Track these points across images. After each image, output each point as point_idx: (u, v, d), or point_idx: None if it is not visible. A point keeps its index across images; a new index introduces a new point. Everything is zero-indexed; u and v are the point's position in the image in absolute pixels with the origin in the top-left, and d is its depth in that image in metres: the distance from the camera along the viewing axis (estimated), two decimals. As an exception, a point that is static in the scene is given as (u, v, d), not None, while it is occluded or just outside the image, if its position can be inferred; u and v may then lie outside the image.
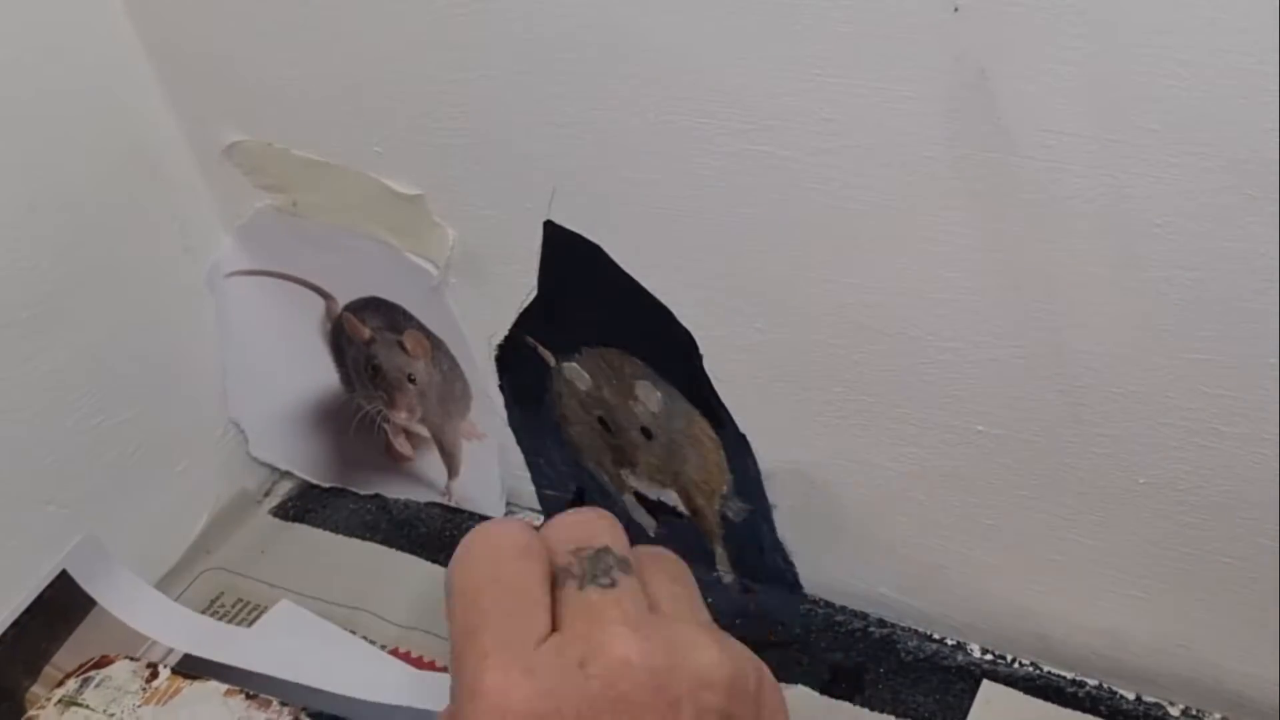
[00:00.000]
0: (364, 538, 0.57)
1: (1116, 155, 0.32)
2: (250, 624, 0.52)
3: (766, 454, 0.46)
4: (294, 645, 0.49)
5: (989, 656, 0.47)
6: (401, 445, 0.57)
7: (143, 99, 0.50)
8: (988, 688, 0.46)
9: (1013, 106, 0.33)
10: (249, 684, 0.47)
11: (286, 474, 0.60)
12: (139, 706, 0.46)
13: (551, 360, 0.49)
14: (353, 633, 0.51)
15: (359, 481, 0.59)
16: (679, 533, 0.51)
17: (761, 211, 0.39)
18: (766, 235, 0.40)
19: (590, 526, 0.34)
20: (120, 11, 0.48)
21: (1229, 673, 0.43)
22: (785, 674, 0.47)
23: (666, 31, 0.37)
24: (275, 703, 0.46)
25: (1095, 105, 0.32)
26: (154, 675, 0.47)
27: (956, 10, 0.32)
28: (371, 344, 0.54)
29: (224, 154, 0.50)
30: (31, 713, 0.46)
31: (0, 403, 0.47)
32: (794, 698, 0.44)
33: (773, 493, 0.47)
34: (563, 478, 0.54)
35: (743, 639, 0.32)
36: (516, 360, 0.50)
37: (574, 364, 0.49)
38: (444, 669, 0.49)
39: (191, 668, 0.48)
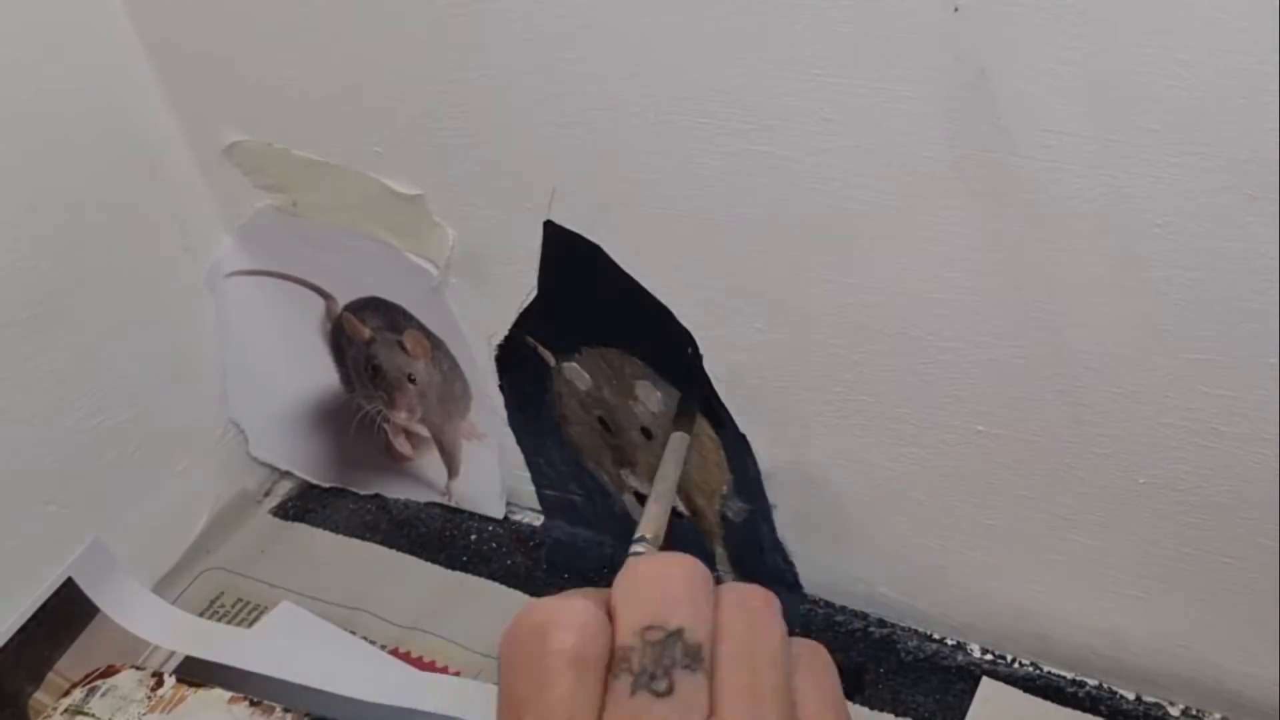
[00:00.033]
0: (364, 538, 0.57)
1: (1116, 155, 0.32)
2: (250, 624, 0.52)
3: (766, 454, 0.46)
4: (294, 646, 0.49)
5: (989, 656, 0.47)
6: (401, 445, 0.57)
7: (143, 99, 0.50)
8: (987, 685, 0.46)
9: (1013, 106, 0.33)
10: (250, 685, 0.47)
11: (286, 474, 0.60)
12: (144, 715, 0.46)
13: (551, 360, 0.49)
14: (353, 633, 0.51)
15: (359, 481, 0.59)
16: (679, 533, 0.51)
17: (761, 211, 0.39)
18: (766, 235, 0.40)
19: (670, 591, 0.28)
20: (120, 11, 0.48)
21: (1229, 673, 0.43)
22: (785, 674, 0.47)
23: (666, 31, 0.37)
24: (278, 710, 0.46)
25: (1095, 105, 0.32)
26: (159, 684, 0.47)
27: (956, 10, 0.32)
28: (371, 344, 0.54)
29: (224, 154, 0.50)
30: (37, 722, 0.47)
31: (0, 403, 0.47)
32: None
33: (773, 493, 0.47)
34: (563, 478, 0.54)
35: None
36: (516, 360, 0.50)
37: (574, 364, 0.49)
38: (444, 669, 0.49)
39: (193, 670, 0.48)
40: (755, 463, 0.47)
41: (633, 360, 0.47)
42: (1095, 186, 0.33)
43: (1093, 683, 0.46)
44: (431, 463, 0.57)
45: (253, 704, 0.46)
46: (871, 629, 0.49)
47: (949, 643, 0.48)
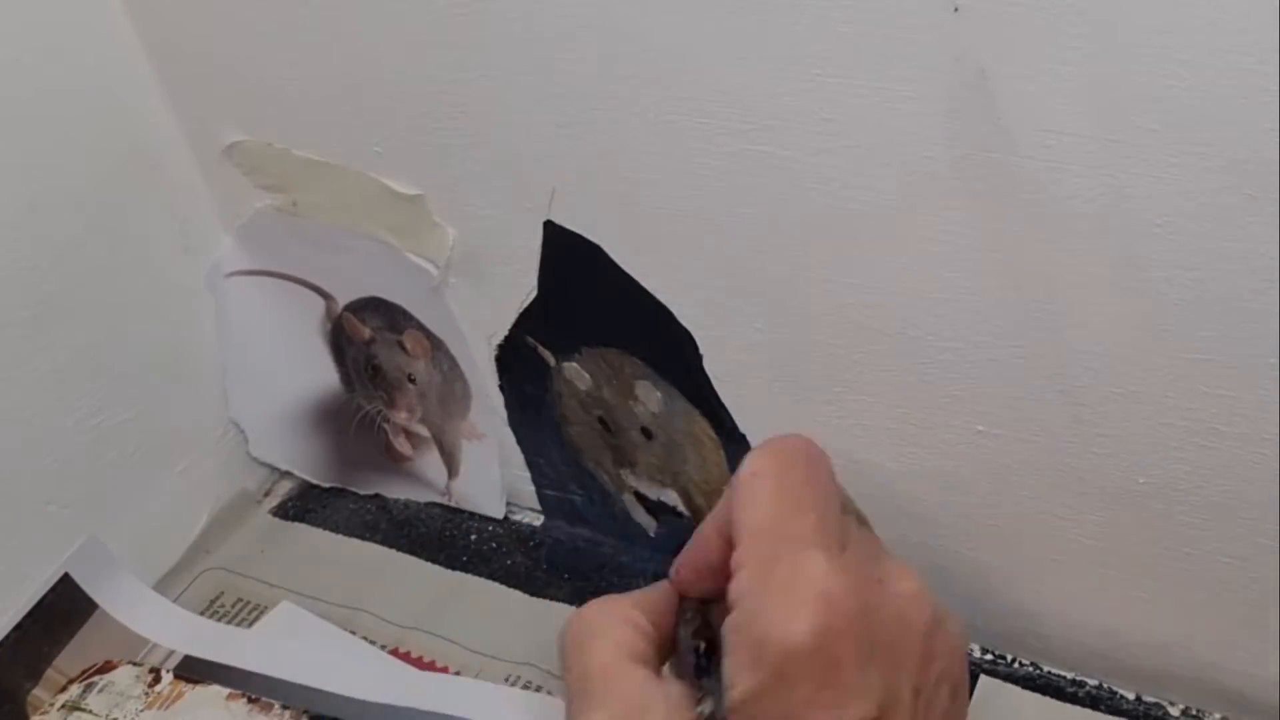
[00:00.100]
0: (364, 538, 0.57)
1: (1116, 155, 0.32)
2: (250, 624, 0.52)
3: (766, 454, 0.46)
4: (294, 646, 0.49)
5: (989, 656, 0.47)
6: (401, 445, 0.57)
7: (143, 99, 0.50)
8: (985, 683, 0.46)
9: (1013, 106, 0.33)
10: (250, 685, 0.47)
11: (286, 474, 0.60)
12: (141, 711, 0.46)
13: (551, 360, 0.49)
14: (353, 633, 0.51)
15: (359, 481, 0.59)
16: (679, 533, 0.51)
17: (761, 211, 0.39)
18: (766, 235, 0.40)
19: (841, 493, 0.36)
20: (120, 11, 0.48)
21: (1229, 673, 0.43)
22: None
23: (666, 31, 0.37)
24: (277, 706, 0.46)
25: (1095, 105, 0.32)
26: (156, 680, 0.47)
27: (956, 10, 0.32)
28: (371, 344, 0.54)
29: (224, 154, 0.50)
30: (35, 718, 0.46)
31: (0, 403, 0.47)
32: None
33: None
34: (563, 478, 0.54)
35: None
36: (516, 360, 0.50)
37: (574, 364, 0.49)
38: (444, 669, 0.49)
39: (193, 670, 0.48)
40: (755, 463, 0.47)
41: (633, 360, 0.47)
42: (1095, 186, 0.33)
43: (1093, 683, 0.46)
44: (431, 463, 0.57)
45: (250, 701, 0.46)
46: (871, 629, 0.49)
47: (949, 643, 0.48)
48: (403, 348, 0.53)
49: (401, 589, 0.53)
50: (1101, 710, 0.45)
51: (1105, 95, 0.32)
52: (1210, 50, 0.30)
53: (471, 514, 0.57)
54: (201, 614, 0.52)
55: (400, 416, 0.55)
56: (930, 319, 0.39)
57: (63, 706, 0.47)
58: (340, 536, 0.57)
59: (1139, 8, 0.30)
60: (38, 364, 0.48)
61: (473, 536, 0.56)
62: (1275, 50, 0.29)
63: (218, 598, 0.54)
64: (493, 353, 0.51)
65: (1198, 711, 0.44)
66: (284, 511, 0.59)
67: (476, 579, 0.54)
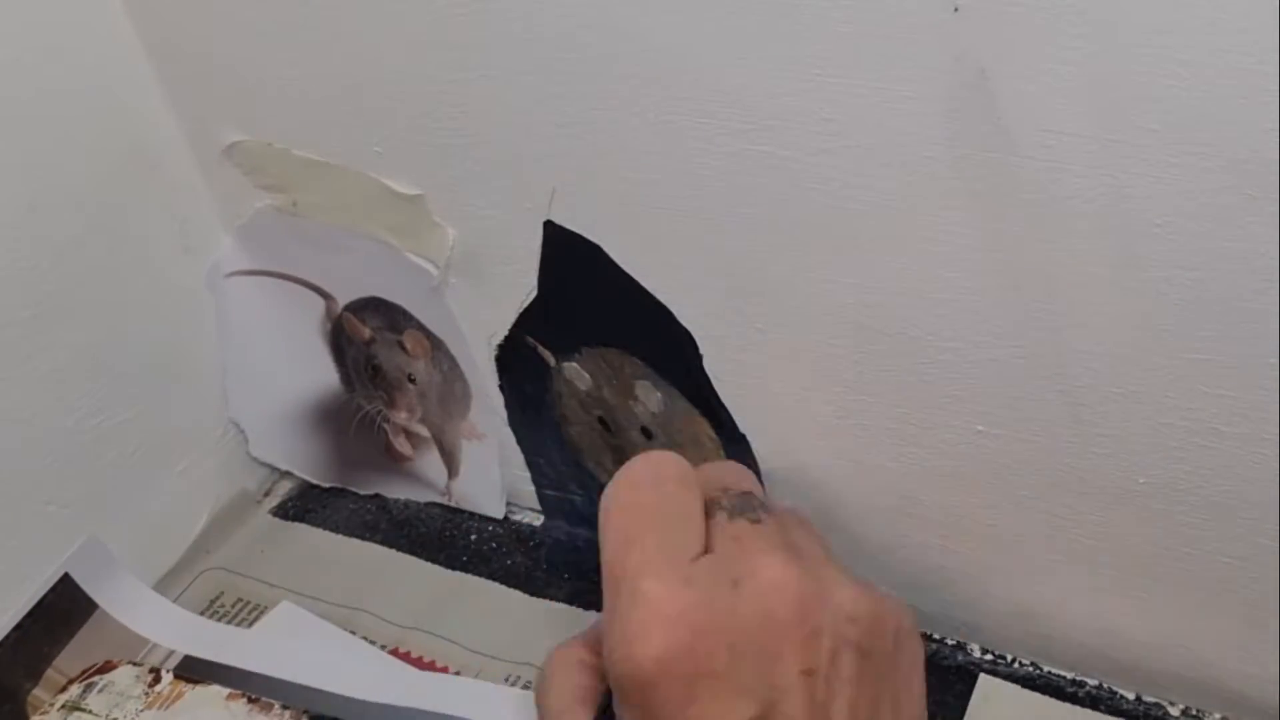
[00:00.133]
0: (364, 538, 0.57)
1: (1116, 155, 0.32)
2: (250, 624, 0.52)
3: (766, 454, 0.46)
4: (294, 646, 0.49)
5: (989, 656, 0.47)
6: (401, 445, 0.57)
7: (143, 99, 0.50)
8: (985, 683, 0.46)
9: (1013, 106, 0.33)
10: (250, 685, 0.47)
11: (286, 474, 0.60)
12: (141, 711, 0.46)
13: (551, 360, 0.49)
14: (353, 633, 0.51)
15: (359, 481, 0.59)
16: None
17: (761, 211, 0.39)
18: (766, 235, 0.40)
19: (736, 474, 0.37)
20: (120, 11, 0.48)
21: (1229, 673, 0.43)
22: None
23: (666, 31, 0.37)
24: (277, 706, 0.46)
25: (1095, 105, 0.32)
26: (156, 680, 0.47)
27: (956, 10, 0.32)
28: (371, 344, 0.54)
29: (224, 154, 0.50)
30: (35, 718, 0.46)
31: (0, 403, 0.47)
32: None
33: (772, 493, 0.47)
34: (563, 478, 0.54)
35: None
36: (516, 360, 0.50)
37: (574, 364, 0.49)
38: (444, 669, 0.49)
39: (193, 670, 0.48)
40: (755, 463, 0.47)
41: (633, 360, 0.47)
42: (1095, 186, 0.33)
43: (1093, 683, 0.46)
44: (431, 463, 0.57)
45: (251, 701, 0.46)
46: (871, 629, 0.49)
47: (949, 643, 0.48)
48: (403, 348, 0.53)
49: (401, 589, 0.53)
50: (1101, 710, 0.45)
51: (1105, 95, 0.32)
52: (1210, 50, 0.30)
53: (471, 514, 0.57)
54: (201, 614, 0.52)
55: (400, 416, 0.55)
56: (930, 319, 0.39)
57: (63, 706, 0.47)
58: (340, 536, 0.57)
59: (1139, 8, 0.30)
60: (38, 364, 0.48)
61: (473, 536, 0.56)
62: (1275, 50, 0.29)
63: (218, 598, 0.54)
64: (493, 353, 0.51)
65: (1198, 711, 0.44)
66: (284, 511, 0.59)
67: (476, 579, 0.54)
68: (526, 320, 0.48)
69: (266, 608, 0.52)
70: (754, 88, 0.36)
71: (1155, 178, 0.32)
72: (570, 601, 0.52)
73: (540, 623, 0.51)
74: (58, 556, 0.49)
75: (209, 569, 0.56)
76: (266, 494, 0.60)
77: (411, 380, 0.54)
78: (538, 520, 0.56)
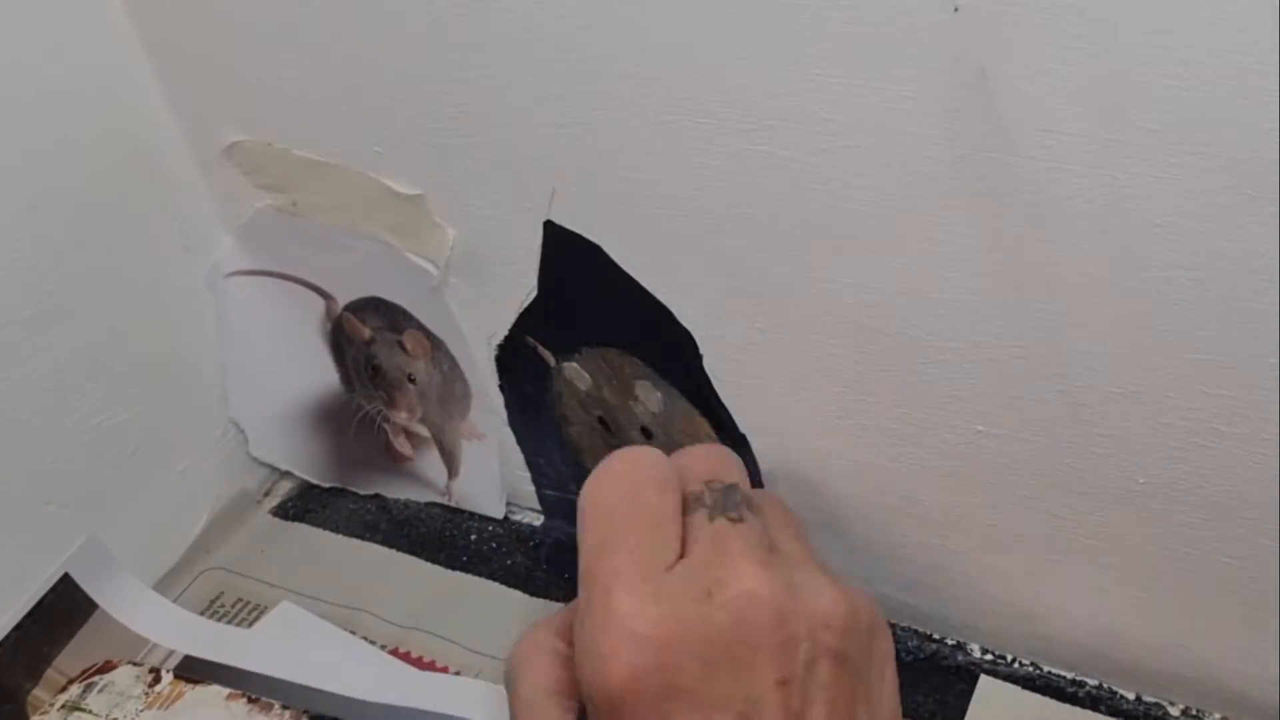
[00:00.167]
0: (364, 538, 0.57)
1: (1116, 155, 0.32)
2: (250, 624, 0.52)
3: (767, 454, 0.46)
4: (294, 646, 0.49)
5: (989, 656, 0.47)
6: (401, 445, 0.57)
7: (143, 99, 0.50)
8: (985, 683, 0.46)
9: (1013, 106, 0.33)
10: (250, 685, 0.47)
11: (286, 474, 0.60)
12: (141, 711, 0.46)
13: (551, 360, 0.49)
14: (353, 633, 0.51)
15: (359, 481, 0.59)
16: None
17: (761, 211, 0.39)
18: (766, 235, 0.40)
19: (721, 462, 0.36)
20: (120, 11, 0.48)
21: (1229, 673, 0.43)
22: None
23: (666, 31, 0.37)
24: (277, 706, 0.46)
25: (1095, 105, 0.32)
26: (156, 680, 0.47)
27: (956, 10, 0.32)
28: (371, 344, 0.54)
29: (224, 154, 0.50)
30: (35, 718, 0.46)
31: (0, 403, 0.47)
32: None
33: (772, 493, 0.47)
34: (563, 478, 0.54)
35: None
36: (516, 360, 0.50)
37: (574, 364, 0.49)
38: (444, 669, 0.49)
39: (193, 670, 0.48)
40: (755, 463, 0.47)
41: (633, 360, 0.47)
42: (1095, 186, 0.33)
43: (1093, 683, 0.46)
44: (431, 463, 0.57)
45: (251, 701, 0.46)
46: (871, 629, 0.49)
47: (949, 643, 0.48)
48: (403, 348, 0.53)
49: (401, 589, 0.53)
50: (1101, 710, 0.45)
51: (1105, 95, 0.32)
52: (1210, 50, 0.30)
53: (471, 514, 0.57)
54: (201, 614, 0.52)
55: (400, 416, 0.55)
56: (930, 319, 0.39)
57: (63, 706, 0.47)
58: (340, 536, 0.57)
59: (1139, 8, 0.30)
60: (38, 364, 0.48)
61: (473, 536, 0.56)
62: (1275, 50, 0.29)
63: (218, 598, 0.54)
64: (493, 353, 0.51)
65: (1198, 711, 0.44)
66: (284, 511, 0.59)
67: (476, 579, 0.54)
68: (526, 320, 0.48)
69: (266, 608, 0.52)
70: (754, 88, 0.36)
71: (1155, 178, 0.32)
72: (570, 601, 0.52)
73: (540, 623, 0.51)
74: (58, 556, 0.49)
75: (209, 569, 0.56)
76: (266, 494, 0.60)
77: (411, 380, 0.54)
78: (538, 520, 0.56)
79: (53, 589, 0.48)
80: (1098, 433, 0.39)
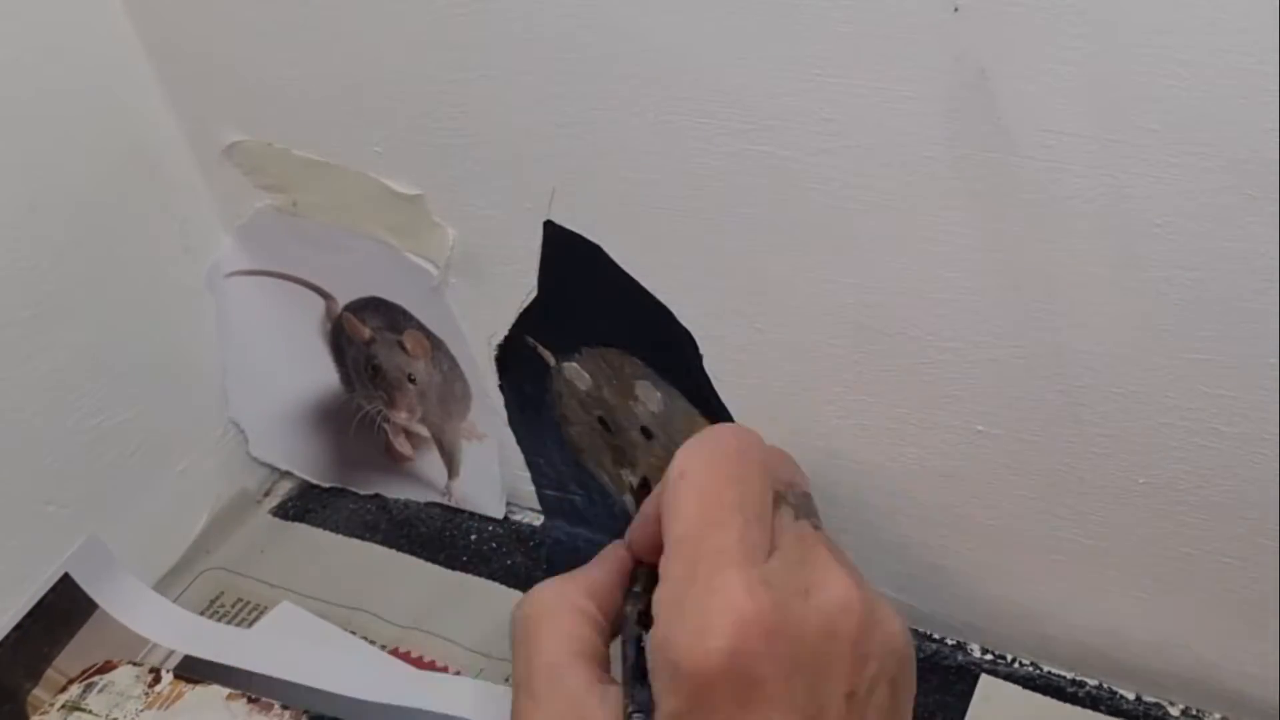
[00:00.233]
0: (364, 538, 0.57)
1: (1116, 155, 0.32)
2: (250, 624, 0.52)
3: (766, 454, 0.46)
4: (294, 646, 0.49)
5: (989, 656, 0.47)
6: (401, 445, 0.57)
7: (143, 99, 0.50)
8: (986, 683, 0.46)
9: (1013, 106, 0.33)
10: (250, 685, 0.47)
11: (286, 474, 0.60)
12: (141, 711, 0.46)
13: (551, 360, 0.49)
14: (352, 633, 0.51)
15: (359, 481, 0.59)
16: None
17: (761, 211, 0.39)
18: (766, 235, 0.40)
19: (796, 469, 0.37)
20: (120, 11, 0.48)
21: (1229, 673, 0.43)
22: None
23: (666, 31, 0.37)
24: (277, 706, 0.46)
25: (1095, 105, 0.32)
26: (156, 680, 0.47)
27: (956, 10, 0.32)
28: (371, 344, 0.54)
29: (224, 154, 0.50)
30: (35, 718, 0.46)
31: (0, 403, 0.47)
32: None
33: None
34: (563, 478, 0.54)
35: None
36: (516, 360, 0.50)
37: (574, 364, 0.49)
38: (444, 669, 0.49)
39: (193, 670, 0.48)
40: (755, 463, 0.47)
41: (633, 360, 0.47)
42: (1095, 186, 0.33)
43: (1093, 683, 0.46)
44: (431, 463, 0.57)
45: (250, 701, 0.46)
46: (871, 629, 0.49)
47: (949, 643, 0.48)
48: (403, 348, 0.53)
49: (401, 589, 0.53)
50: (1101, 710, 0.45)
51: (1105, 95, 0.32)
52: (1210, 50, 0.30)
53: (471, 514, 0.57)
54: (201, 614, 0.52)
55: (400, 416, 0.55)
56: (930, 319, 0.39)
57: (63, 706, 0.47)
58: (340, 536, 0.57)
59: (1139, 8, 0.30)
60: (38, 364, 0.48)
61: (473, 536, 0.56)
62: (1275, 50, 0.29)
63: (218, 598, 0.54)
64: (493, 353, 0.51)
65: (1198, 711, 0.44)
66: (284, 511, 0.59)
67: (476, 579, 0.54)
68: (526, 320, 0.48)
69: (266, 608, 0.52)
70: (754, 88, 0.36)
71: (1155, 178, 0.32)
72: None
73: (540, 623, 0.51)
74: (58, 556, 0.49)
75: (209, 569, 0.56)
76: (266, 494, 0.60)
77: (411, 380, 0.54)
78: (538, 520, 0.56)
79: (53, 589, 0.48)
80: (1098, 433, 0.39)
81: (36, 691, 0.47)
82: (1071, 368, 0.38)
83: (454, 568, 0.54)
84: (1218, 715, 0.44)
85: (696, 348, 0.45)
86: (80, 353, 0.49)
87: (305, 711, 0.46)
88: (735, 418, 0.46)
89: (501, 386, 0.52)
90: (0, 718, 0.47)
